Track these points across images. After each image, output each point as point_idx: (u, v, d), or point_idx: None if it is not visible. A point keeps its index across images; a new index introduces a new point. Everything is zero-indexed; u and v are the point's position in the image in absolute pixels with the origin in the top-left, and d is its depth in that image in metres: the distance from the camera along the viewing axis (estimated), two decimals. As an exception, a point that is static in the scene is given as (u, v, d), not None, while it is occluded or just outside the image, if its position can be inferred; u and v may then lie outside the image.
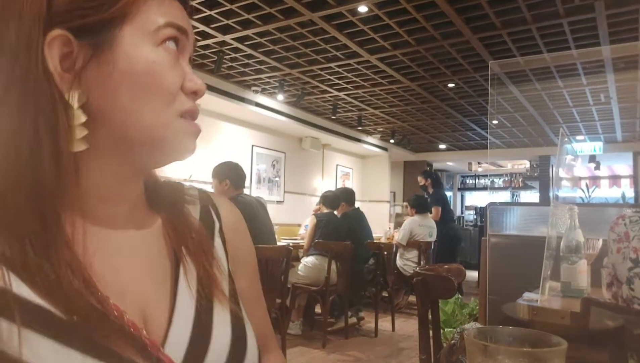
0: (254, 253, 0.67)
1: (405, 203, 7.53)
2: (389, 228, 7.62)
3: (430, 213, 6.10)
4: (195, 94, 0.51)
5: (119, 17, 0.46)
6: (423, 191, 7.00)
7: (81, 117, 0.45)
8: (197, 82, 0.51)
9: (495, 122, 7.15)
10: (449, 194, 13.44)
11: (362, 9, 3.75)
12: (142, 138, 0.48)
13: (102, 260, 0.47)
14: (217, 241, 0.60)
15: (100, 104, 0.46)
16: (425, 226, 5.67)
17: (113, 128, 0.47)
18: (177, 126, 0.49)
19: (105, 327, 0.43)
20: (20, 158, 0.43)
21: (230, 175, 3.46)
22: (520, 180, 12.12)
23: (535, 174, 10.68)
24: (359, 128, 8.31)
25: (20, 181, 0.42)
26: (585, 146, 8.56)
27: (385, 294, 5.08)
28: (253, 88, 6.11)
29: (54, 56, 0.44)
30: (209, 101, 5.82)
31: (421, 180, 7.12)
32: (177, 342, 0.48)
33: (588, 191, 8.35)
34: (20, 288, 0.40)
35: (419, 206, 5.82)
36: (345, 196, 5.15)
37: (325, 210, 4.81)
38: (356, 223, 4.96)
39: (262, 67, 5.27)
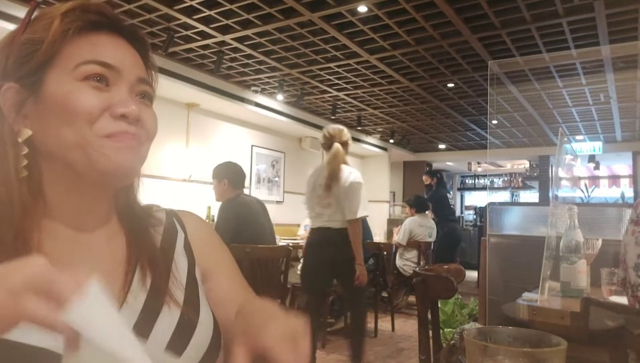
0: (227, 252, 0.76)
1: (404, 204, 7.58)
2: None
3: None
4: (125, 117, 0.57)
5: (45, 61, 0.56)
6: (429, 190, 7.09)
7: (23, 149, 0.56)
8: (128, 108, 0.57)
9: (494, 122, 7.15)
10: (448, 194, 13.45)
11: (362, 9, 3.75)
12: (71, 158, 0.56)
13: (63, 261, 0.57)
14: (180, 252, 0.69)
15: (40, 136, 0.57)
16: (425, 226, 5.66)
17: (53, 154, 0.57)
18: (102, 144, 0.56)
19: None
20: (1, 180, 0.56)
21: (228, 175, 3.46)
22: (519, 180, 12.11)
23: (535, 174, 10.67)
24: (359, 128, 8.31)
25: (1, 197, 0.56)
26: (585, 145, 8.55)
27: (384, 294, 5.08)
28: (253, 88, 6.10)
29: (6, 103, 0.57)
30: (209, 101, 5.82)
31: (427, 179, 7.21)
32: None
33: (587, 191, 8.35)
34: None
35: (419, 206, 5.82)
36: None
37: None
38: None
39: (261, 67, 5.26)
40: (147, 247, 0.65)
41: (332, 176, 3.12)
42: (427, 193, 7.29)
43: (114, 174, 0.58)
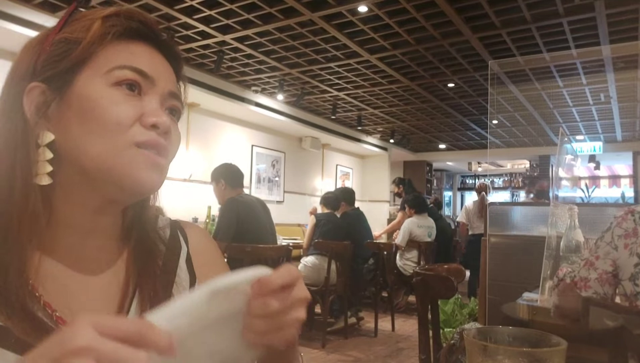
0: (226, 267, 0.74)
1: (392, 185, 7.45)
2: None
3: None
4: (155, 127, 0.55)
5: (79, 63, 0.54)
6: (399, 197, 6.98)
7: (47, 154, 0.53)
8: (160, 118, 0.55)
9: (495, 122, 7.15)
10: (448, 194, 13.45)
11: (362, 8, 3.75)
12: (93, 167, 0.53)
13: (60, 286, 0.54)
14: (182, 269, 0.66)
15: (61, 141, 0.53)
16: (424, 227, 5.66)
17: (72, 162, 0.54)
18: (130, 154, 0.53)
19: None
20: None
21: (224, 175, 3.46)
22: (520, 180, 12.11)
23: (535, 174, 10.67)
24: (359, 128, 8.30)
25: None
26: (585, 145, 8.55)
27: (384, 294, 5.07)
28: (253, 88, 6.10)
29: (30, 104, 0.54)
30: (209, 101, 5.82)
31: (394, 188, 7.10)
32: None
33: (588, 191, 8.35)
34: None
35: (418, 206, 5.81)
36: (345, 196, 5.14)
37: (326, 211, 4.81)
38: (356, 223, 4.96)
39: (262, 67, 5.26)
40: (148, 279, 0.61)
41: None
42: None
43: (135, 188, 0.55)
